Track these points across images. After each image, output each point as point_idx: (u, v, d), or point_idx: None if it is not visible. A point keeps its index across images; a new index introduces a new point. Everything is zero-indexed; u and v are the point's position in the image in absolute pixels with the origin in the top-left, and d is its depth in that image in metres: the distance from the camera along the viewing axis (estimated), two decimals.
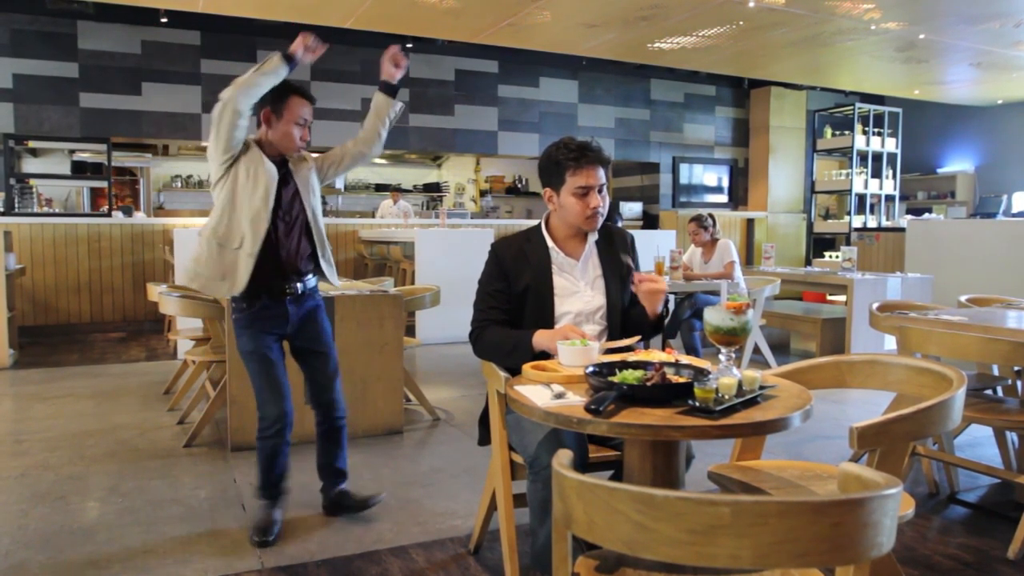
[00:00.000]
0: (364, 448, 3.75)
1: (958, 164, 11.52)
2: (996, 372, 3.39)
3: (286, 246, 2.63)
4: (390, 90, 2.74)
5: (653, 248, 5.93)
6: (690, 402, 1.60)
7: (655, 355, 1.93)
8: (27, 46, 7.90)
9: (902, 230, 8.28)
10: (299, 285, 2.68)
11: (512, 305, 2.27)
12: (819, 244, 11.57)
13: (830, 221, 11.32)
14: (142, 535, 2.70)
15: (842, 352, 5.78)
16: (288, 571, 2.44)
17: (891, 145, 10.85)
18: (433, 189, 12.41)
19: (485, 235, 7.28)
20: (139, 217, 8.48)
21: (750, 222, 11.27)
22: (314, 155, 2.80)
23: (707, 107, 11.61)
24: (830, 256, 10.08)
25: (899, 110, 10.88)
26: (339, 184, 11.59)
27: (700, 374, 1.74)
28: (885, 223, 10.67)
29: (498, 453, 2.22)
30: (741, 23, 7.16)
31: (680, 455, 1.79)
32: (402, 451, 3.76)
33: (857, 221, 10.54)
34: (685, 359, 1.89)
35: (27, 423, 4.23)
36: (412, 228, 7.87)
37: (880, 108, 10.76)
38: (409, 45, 9.34)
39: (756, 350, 5.74)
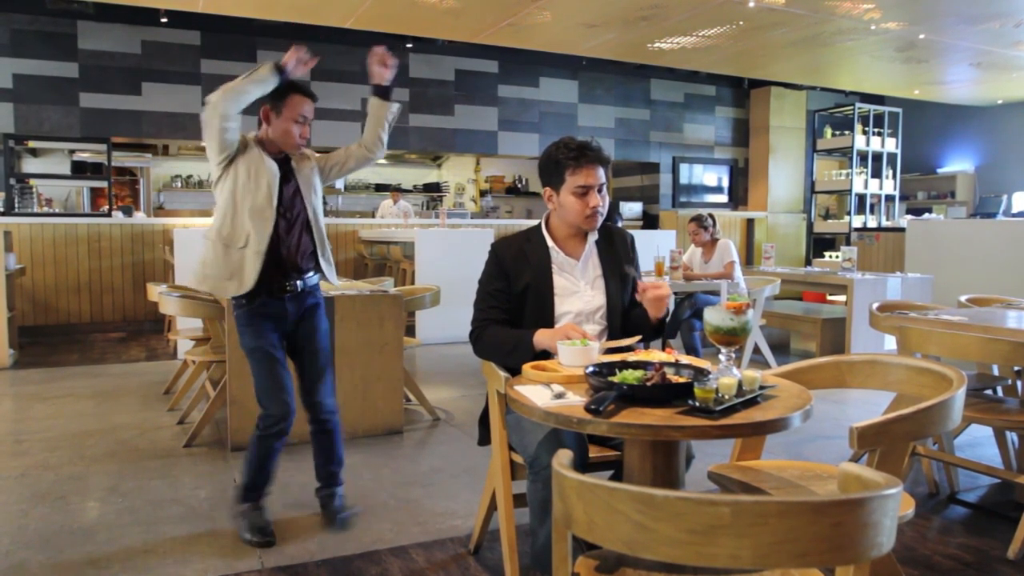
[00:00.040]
0: (364, 448, 3.75)
1: (958, 164, 11.52)
2: (996, 372, 3.39)
3: (287, 243, 2.63)
4: (383, 92, 2.71)
5: (653, 248, 5.98)
6: (690, 402, 1.60)
7: (655, 355, 1.94)
8: (27, 46, 7.90)
9: (902, 230, 8.28)
10: (299, 283, 2.67)
11: (512, 305, 2.27)
12: (819, 244, 11.57)
13: (830, 221, 11.32)
14: (142, 535, 2.70)
15: (842, 352, 5.78)
16: (288, 571, 2.44)
17: (891, 145, 10.85)
18: (433, 189, 12.41)
19: (485, 235, 7.28)
20: (139, 217, 8.47)
21: (750, 222, 11.28)
22: (317, 155, 2.80)
23: (707, 107, 11.61)
24: (830, 256, 10.08)
25: (899, 110, 10.89)
26: (339, 184, 11.60)
27: (700, 374, 1.74)
28: (885, 223, 10.67)
29: (498, 453, 2.22)
30: (741, 23, 7.16)
31: (680, 455, 1.79)
32: (402, 451, 3.76)
33: (857, 221, 10.54)
34: (685, 359, 1.89)
35: (27, 423, 4.23)
36: (412, 228, 7.87)
37: (880, 108, 10.77)
38: (409, 45, 9.35)
39: (756, 350, 5.74)
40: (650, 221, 11.25)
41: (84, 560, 2.50)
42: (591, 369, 1.78)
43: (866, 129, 10.61)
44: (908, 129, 11.26)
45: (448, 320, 6.19)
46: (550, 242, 2.31)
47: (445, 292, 4.60)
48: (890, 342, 5.02)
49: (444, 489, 3.18)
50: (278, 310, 2.64)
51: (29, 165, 8.89)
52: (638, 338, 2.14)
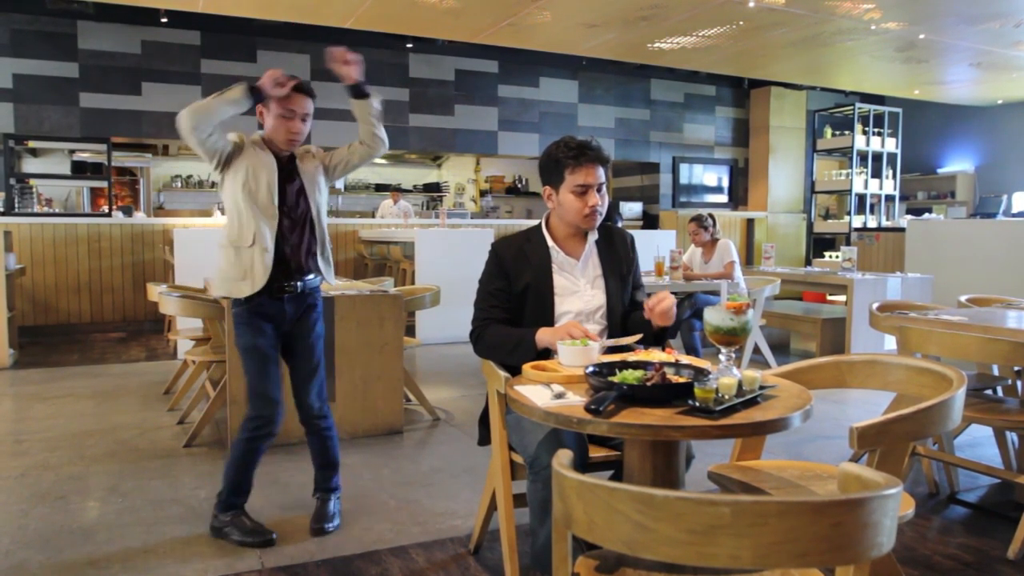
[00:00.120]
0: (364, 448, 3.75)
1: (958, 164, 11.52)
2: (996, 372, 3.39)
3: (291, 242, 2.62)
4: (356, 92, 2.64)
5: (653, 248, 5.98)
6: (690, 402, 1.60)
7: (655, 355, 1.94)
8: (27, 46, 7.90)
9: (902, 230, 8.28)
10: (299, 284, 2.66)
11: (513, 304, 2.27)
12: (819, 244, 11.57)
13: (830, 221, 11.32)
14: (142, 535, 2.70)
15: (842, 352, 5.78)
16: (288, 571, 2.44)
17: (891, 145, 10.86)
18: (433, 189, 12.41)
19: (485, 235, 7.28)
20: (139, 217, 8.48)
21: (750, 222, 11.28)
22: (323, 152, 2.77)
23: (707, 107, 11.61)
24: (830, 256, 10.07)
25: (899, 110, 10.89)
26: (339, 184, 11.60)
27: (700, 374, 1.74)
28: (885, 223, 10.67)
29: (498, 453, 2.22)
30: (741, 23, 7.16)
31: (680, 455, 1.79)
32: (402, 451, 3.76)
33: (857, 221, 10.54)
34: (685, 359, 1.89)
35: (27, 423, 4.23)
36: (412, 228, 7.88)
37: (880, 108, 10.77)
38: (409, 45, 9.35)
39: (756, 350, 5.74)
40: (650, 221, 11.25)
41: (84, 560, 2.50)
42: (591, 369, 1.78)
43: (866, 129, 10.61)
44: (908, 129, 11.26)
45: (448, 320, 6.19)
46: (550, 242, 2.31)
47: (445, 292, 4.60)
48: (890, 342, 5.02)
49: (444, 489, 3.18)
50: (276, 310, 2.64)
51: (29, 165, 8.89)
52: (639, 336, 2.14)
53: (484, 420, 2.39)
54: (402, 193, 10.99)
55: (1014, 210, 10.43)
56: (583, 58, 9.23)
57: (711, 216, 5.84)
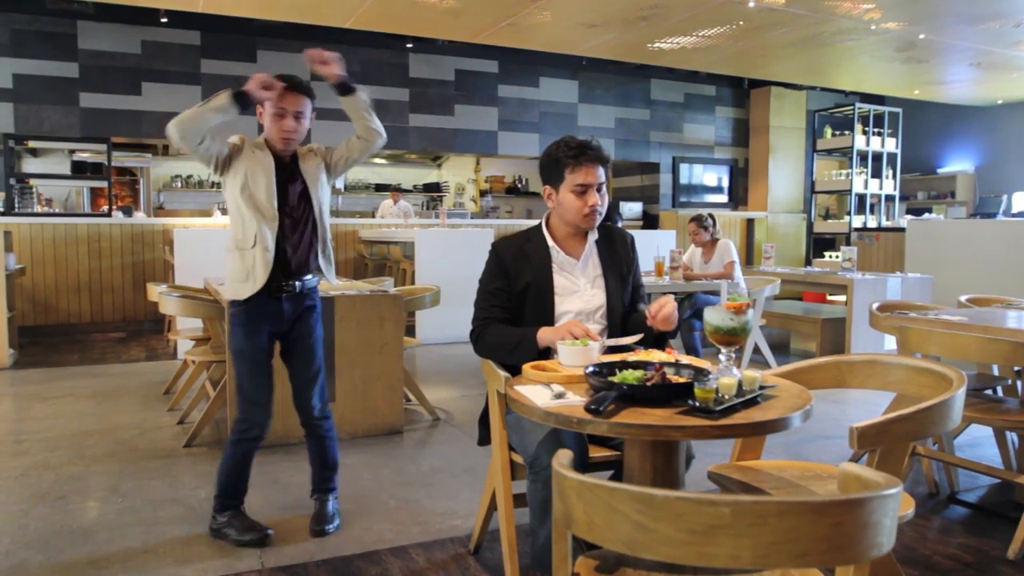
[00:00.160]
0: (364, 448, 3.75)
1: (958, 164, 11.52)
2: (996, 372, 3.39)
3: (292, 241, 2.62)
4: (342, 89, 2.59)
5: (653, 248, 5.98)
6: (690, 402, 1.60)
7: (655, 355, 1.94)
8: (27, 46, 7.90)
9: (902, 230, 8.28)
10: (297, 283, 2.66)
11: (513, 304, 2.27)
12: (819, 244, 11.57)
13: (830, 221, 11.32)
14: (142, 535, 2.70)
15: (842, 352, 5.78)
16: (288, 571, 2.44)
17: (891, 145, 10.86)
18: (433, 189, 12.41)
19: (485, 235, 7.28)
20: (139, 217, 8.48)
21: (750, 222, 11.28)
22: (323, 149, 2.74)
23: (707, 107, 11.61)
24: (830, 256, 10.08)
25: (899, 110, 10.89)
26: (339, 184, 11.60)
27: (700, 374, 1.74)
28: (885, 223, 10.67)
29: (498, 453, 2.22)
30: (741, 23, 7.16)
31: (680, 455, 1.79)
32: (402, 451, 3.76)
33: (857, 221, 10.54)
34: (685, 359, 1.89)
35: (27, 423, 4.23)
36: (412, 228, 7.88)
37: (880, 108, 10.77)
38: (409, 45, 9.35)
39: (756, 350, 5.74)
40: (650, 221, 11.25)
41: (84, 560, 2.50)
42: (591, 369, 1.78)
43: (866, 129, 10.61)
44: (908, 129, 11.26)
45: (448, 320, 6.19)
46: (550, 241, 2.31)
47: (445, 292, 4.60)
48: (890, 342, 5.02)
49: (444, 489, 3.18)
50: (274, 309, 2.63)
51: (29, 165, 8.89)
52: (640, 336, 2.14)
53: (484, 420, 2.39)
54: (402, 193, 10.99)
55: (1014, 210, 10.43)
56: (583, 58, 9.23)
57: (711, 216, 5.84)
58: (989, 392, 3.29)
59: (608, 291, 2.30)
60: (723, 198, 11.90)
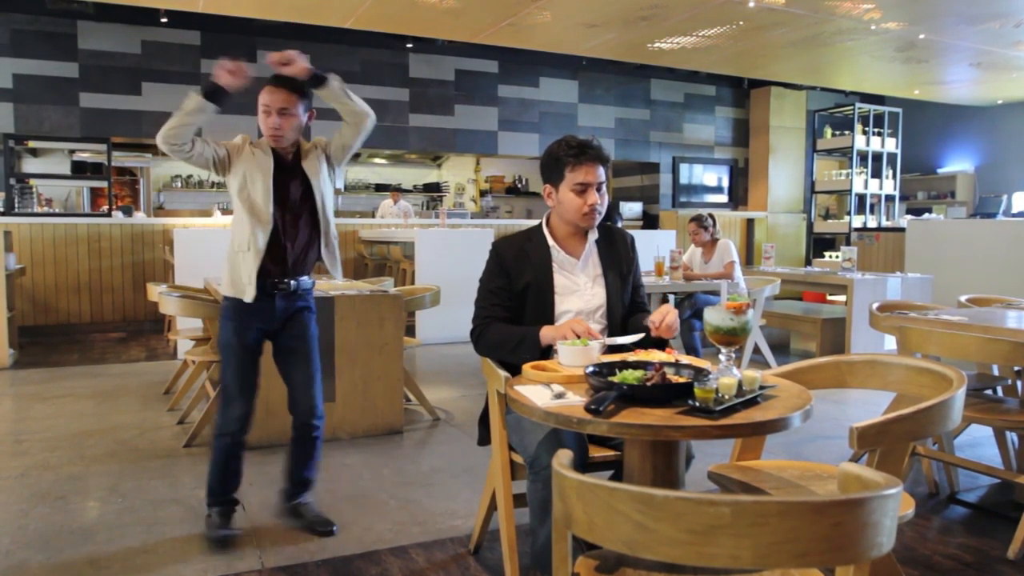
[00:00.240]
0: (364, 448, 3.75)
1: (958, 164, 11.52)
2: (996, 372, 3.39)
3: (291, 240, 2.61)
4: (315, 82, 2.53)
5: (653, 248, 5.98)
6: (690, 402, 1.60)
7: (655, 355, 1.94)
8: (27, 46, 7.90)
9: (902, 230, 8.28)
10: (292, 282, 2.64)
11: (513, 303, 2.27)
12: (819, 244, 11.57)
13: (830, 221, 11.32)
14: (142, 535, 2.70)
15: (842, 352, 5.78)
16: (288, 571, 2.44)
17: (891, 145, 10.86)
18: (433, 189, 12.41)
19: (485, 235, 7.28)
20: (139, 217, 8.47)
21: (750, 222, 11.28)
22: (323, 141, 2.72)
23: (707, 107, 11.61)
24: (830, 256, 10.07)
25: (899, 110, 10.89)
26: (339, 184, 11.57)
27: (700, 374, 1.73)
28: (885, 223, 10.67)
29: (498, 453, 2.22)
30: (741, 23, 7.16)
31: (680, 455, 1.79)
32: (402, 451, 3.76)
33: (857, 221, 10.54)
34: (685, 359, 1.89)
35: (27, 423, 4.23)
36: (412, 228, 7.88)
37: (880, 108, 10.77)
38: (409, 45, 9.35)
39: (756, 350, 5.74)
40: (650, 221, 11.25)
41: (84, 560, 2.50)
42: (591, 369, 1.78)
43: (866, 129, 10.61)
44: (908, 129, 11.26)
45: (448, 320, 6.19)
46: (551, 241, 2.31)
47: (445, 292, 4.60)
48: (890, 342, 5.02)
49: (444, 489, 3.18)
50: (266, 307, 2.61)
51: (29, 165, 8.89)
52: (641, 336, 2.14)
53: (484, 420, 2.39)
54: (402, 193, 10.99)
55: (1014, 210, 10.43)
56: (583, 58, 9.23)
57: (711, 216, 5.84)
58: (989, 392, 3.29)
59: (608, 290, 2.31)
60: (723, 198, 11.90)
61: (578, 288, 2.29)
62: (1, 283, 5.76)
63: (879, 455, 1.68)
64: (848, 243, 9.76)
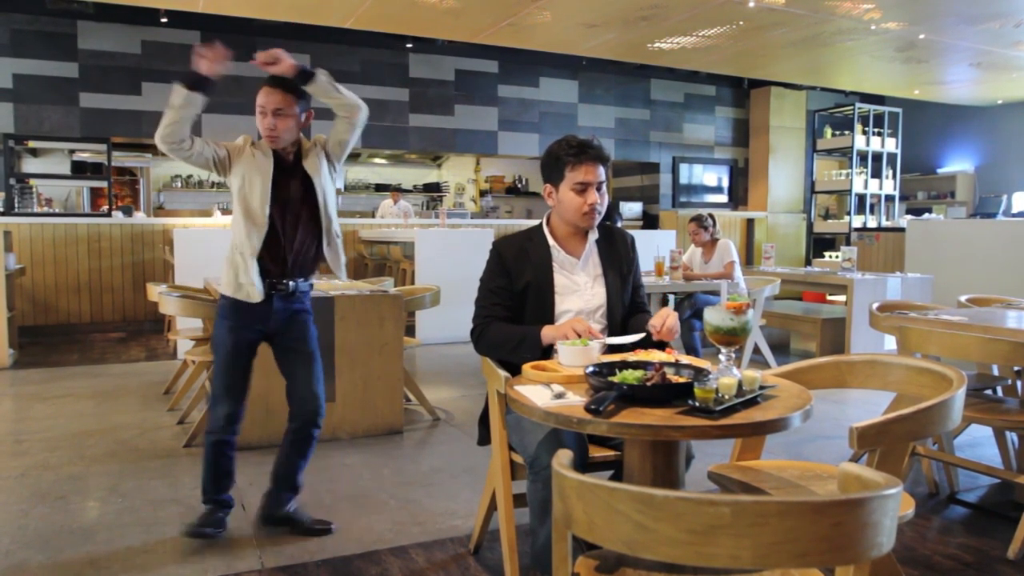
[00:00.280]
0: (364, 448, 3.75)
1: (958, 164, 11.52)
2: (996, 372, 3.39)
3: (291, 240, 2.61)
4: (302, 79, 2.54)
5: (653, 248, 5.98)
6: (690, 402, 1.60)
7: (655, 355, 1.94)
8: (27, 46, 7.90)
9: (902, 230, 8.28)
10: (291, 284, 2.63)
11: (514, 303, 2.27)
12: (819, 244, 11.58)
13: (830, 221, 11.32)
14: (142, 535, 2.70)
15: (842, 352, 5.78)
16: (288, 571, 2.44)
17: (891, 145, 10.86)
18: (433, 189, 12.41)
19: (485, 235, 7.28)
20: (139, 217, 8.47)
21: (750, 222, 11.28)
22: (322, 138, 2.72)
23: (707, 107, 11.61)
24: (830, 256, 10.08)
25: (899, 110, 10.89)
26: (339, 184, 11.57)
27: (700, 374, 1.73)
28: (885, 223, 10.67)
29: (498, 453, 2.22)
30: (741, 23, 7.16)
31: (680, 455, 1.79)
32: (402, 451, 3.76)
33: (857, 221, 10.54)
34: (685, 359, 1.89)
35: (27, 423, 4.23)
36: (412, 228, 7.87)
37: (880, 108, 10.77)
38: (409, 45, 9.35)
39: (756, 350, 5.74)
40: (650, 221, 11.25)
41: (84, 560, 2.50)
42: (591, 369, 1.78)
43: (866, 129, 10.61)
44: (908, 129, 11.26)
45: (448, 320, 6.20)
46: (551, 240, 2.31)
47: (445, 292, 4.60)
48: (890, 342, 5.02)
49: (444, 489, 3.18)
50: (263, 307, 2.59)
51: (29, 165, 8.89)
52: (642, 335, 2.14)
53: (484, 420, 2.39)
54: (402, 193, 10.99)
55: (1014, 210, 10.43)
56: (583, 58, 9.23)
57: (711, 216, 5.84)
58: (989, 392, 3.29)
59: (608, 290, 2.31)
60: (723, 198, 11.90)
61: (578, 288, 2.29)
62: (1, 283, 5.76)
63: (879, 455, 1.68)
64: (848, 243, 9.76)
